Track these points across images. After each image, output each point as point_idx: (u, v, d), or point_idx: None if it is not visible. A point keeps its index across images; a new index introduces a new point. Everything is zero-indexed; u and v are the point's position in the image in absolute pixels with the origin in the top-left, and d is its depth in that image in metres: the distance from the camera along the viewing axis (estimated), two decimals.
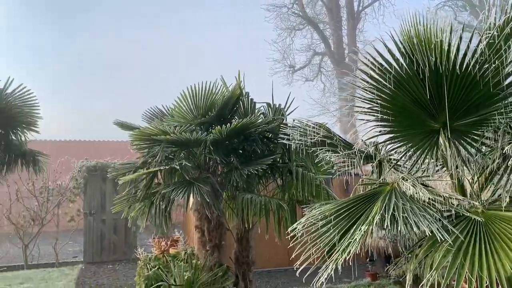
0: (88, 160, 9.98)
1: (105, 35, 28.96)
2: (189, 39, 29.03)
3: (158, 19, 29.68)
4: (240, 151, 5.26)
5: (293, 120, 4.30)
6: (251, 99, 5.22)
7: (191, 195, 4.41)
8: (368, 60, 2.96)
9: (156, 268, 5.28)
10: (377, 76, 3.00)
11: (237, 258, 5.14)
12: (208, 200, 4.38)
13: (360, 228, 2.44)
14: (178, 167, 4.63)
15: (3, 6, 26.19)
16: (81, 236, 10.52)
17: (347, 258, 2.45)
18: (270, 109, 5.22)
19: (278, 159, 4.94)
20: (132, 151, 5.51)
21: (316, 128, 3.34)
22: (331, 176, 4.82)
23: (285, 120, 5.00)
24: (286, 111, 5.10)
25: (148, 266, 5.47)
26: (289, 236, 2.99)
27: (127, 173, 5.37)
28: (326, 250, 2.70)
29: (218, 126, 4.59)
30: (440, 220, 2.45)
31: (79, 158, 10.18)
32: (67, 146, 14.56)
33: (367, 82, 3.11)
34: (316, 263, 2.72)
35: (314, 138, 3.32)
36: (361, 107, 3.30)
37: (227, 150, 5.05)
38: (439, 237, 2.30)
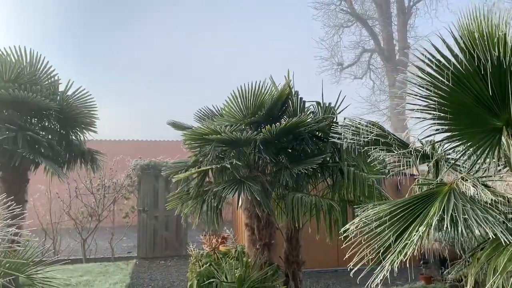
0: (141, 159, 10.35)
1: (155, 38, 29.87)
2: (237, 40, 29.33)
3: (206, 20, 30.20)
4: (289, 150, 5.26)
5: (344, 119, 4.25)
6: (301, 98, 5.20)
7: (242, 193, 4.46)
8: (425, 56, 2.86)
9: (207, 265, 5.39)
10: (433, 73, 2.90)
11: (287, 257, 5.15)
12: (259, 199, 4.42)
13: (418, 229, 2.37)
14: (229, 166, 4.70)
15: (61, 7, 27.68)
16: (134, 232, 10.95)
17: (404, 260, 2.39)
18: (320, 108, 5.18)
19: (328, 159, 4.89)
20: (185, 149, 5.65)
21: (369, 127, 3.28)
22: (384, 176, 4.72)
23: (335, 118, 4.94)
24: (336, 109, 5.04)
25: (199, 262, 5.60)
26: (342, 237, 2.96)
27: (179, 172, 5.53)
28: (381, 251, 2.65)
29: (268, 125, 4.62)
30: (504, 222, 2.33)
31: (133, 157, 10.58)
32: (121, 146, 15.16)
33: (423, 78, 3.02)
34: (370, 264, 2.68)
35: (367, 137, 3.26)
36: (415, 104, 3.21)
37: (276, 149, 5.06)
38: (504, 240, 2.19)
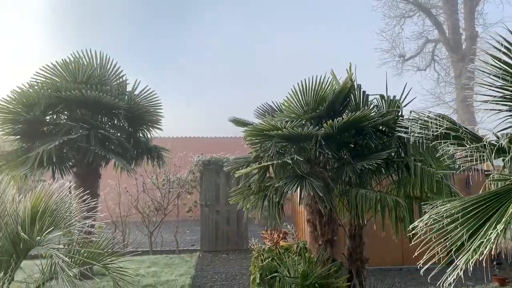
0: (203, 155, 10.63)
1: (217, 38, 30.48)
2: (296, 34, 29.17)
3: (264, 17, 30.33)
4: (352, 146, 5.17)
5: (410, 112, 4.10)
6: (364, 91, 5.08)
7: (304, 189, 4.44)
8: (501, 43, 2.69)
9: (269, 259, 5.44)
10: (510, 61, 2.72)
11: (350, 254, 5.07)
12: (321, 195, 4.39)
13: (495, 227, 2.24)
14: (290, 161, 4.70)
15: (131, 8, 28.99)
16: (197, 226, 11.28)
17: (479, 259, 2.27)
18: (384, 101, 5.03)
19: (393, 154, 4.75)
20: (246, 146, 5.73)
21: (439, 120, 3.13)
22: (453, 171, 4.50)
23: (400, 112, 4.78)
24: (401, 102, 4.86)
25: (261, 257, 5.66)
26: (410, 234, 2.87)
27: (240, 167, 5.62)
28: (454, 250, 2.54)
29: (329, 120, 4.57)
30: None
31: (195, 153, 10.90)
32: (184, 143, 15.66)
33: (497, 68, 2.84)
34: (442, 262, 2.58)
35: (436, 131, 3.13)
36: (488, 96, 3.03)
37: (338, 144, 4.99)
38: None
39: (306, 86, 5.12)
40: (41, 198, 3.88)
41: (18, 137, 7.36)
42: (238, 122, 5.68)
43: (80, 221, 4.12)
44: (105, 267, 4.05)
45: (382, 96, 5.08)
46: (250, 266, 7.45)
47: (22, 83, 6.96)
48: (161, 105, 7.88)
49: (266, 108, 5.95)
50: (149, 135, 8.21)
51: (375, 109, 5.05)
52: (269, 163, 4.89)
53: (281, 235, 6.38)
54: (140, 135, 8.18)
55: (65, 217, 3.99)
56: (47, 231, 3.53)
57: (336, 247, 5.19)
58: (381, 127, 4.96)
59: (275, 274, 4.87)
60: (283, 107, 5.48)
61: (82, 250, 3.97)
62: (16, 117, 6.97)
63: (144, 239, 10.37)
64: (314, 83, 5.11)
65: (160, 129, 8.11)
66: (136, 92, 7.76)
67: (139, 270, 7.59)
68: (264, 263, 5.42)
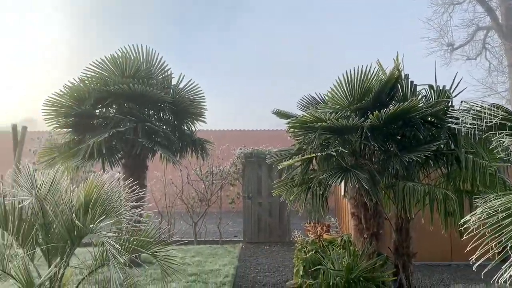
0: (245, 147, 10.71)
1: (257, 31, 30.48)
2: (340, 25, 28.68)
3: (305, 7, 29.99)
4: (399, 137, 5.04)
5: (461, 102, 3.94)
6: (411, 81, 4.93)
7: (349, 181, 4.38)
8: None
9: (313, 252, 5.42)
10: None
11: (396, 248, 4.96)
12: (367, 187, 4.31)
13: None
14: (334, 153, 4.65)
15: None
16: (239, 217, 11.38)
17: None
18: (432, 92, 4.85)
19: (442, 146, 4.58)
20: (289, 138, 5.72)
21: (493, 110, 2.99)
22: (508, 164, 4.29)
23: (450, 102, 4.60)
24: (451, 93, 4.68)
25: (305, 249, 5.65)
26: (462, 229, 2.76)
27: (283, 159, 5.62)
28: (510, 246, 2.42)
29: (375, 111, 4.47)
30: None
31: (238, 146, 11.00)
32: (226, 135, 15.85)
33: None
34: (496, 258, 2.47)
35: (490, 122, 2.98)
36: None
37: (384, 136, 4.87)
38: None
39: (351, 77, 5.02)
40: (93, 188, 4.05)
41: (70, 130, 7.71)
42: (281, 114, 5.66)
43: (129, 211, 4.28)
44: (154, 255, 4.18)
45: (431, 86, 4.90)
46: (293, 259, 7.47)
47: (73, 78, 7.27)
48: (204, 98, 8.01)
49: (310, 100, 5.90)
50: (193, 128, 8.36)
51: (423, 99, 4.89)
52: (313, 155, 4.86)
53: (324, 228, 6.34)
54: (185, 127, 8.34)
55: (115, 206, 4.15)
56: (99, 220, 3.68)
57: (382, 241, 5.10)
58: (430, 118, 4.80)
59: (319, 267, 4.85)
60: (327, 98, 5.41)
61: (132, 238, 4.12)
62: (68, 111, 7.30)
63: (189, 229, 10.60)
64: (359, 74, 5.00)
65: (204, 121, 8.25)
66: (181, 86, 7.91)
67: (185, 259, 7.78)
68: (307, 255, 5.41)
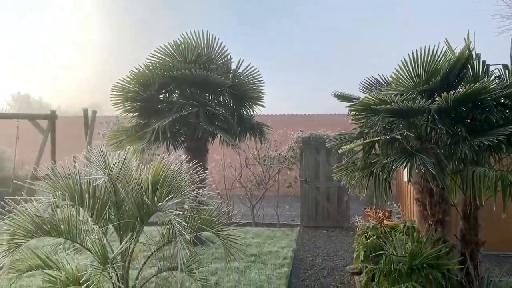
0: (303, 132, 10.66)
1: (312, 18, 29.95)
2: (406, 7, 27.49)
3: None
4: (468, 120, 4.78)
5: None
6: (483, 61, 4.64)
7: (414, 166, 4.24)
8: None
9: (374, 237, 5.34)
10: None
11: (463, 236, 4.76)
12: (433, 172, 4.15)
13: None
14: (399, 137, 4.50)
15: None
16: (296, 201, 11.41)
17: None
18: (507, 72, 4.54)
19: None
20: (350, 121, 5.62)
21: None
22: None
23: None
24: None
25: (366, 234, 5.58)
26: None
27: (344, 143, 5.53)
28: None
29: (443, 93, 4.26)
30: None
31: (295, 130, 10.97)
32: (283, 120, 15.86)
33: None
34: None
35: None
36: None
37: (452, 119, 4.65)
38: None
39: (417, 57, 4.81)
40: (161, 168, 4.24)
41: (136, 114, 8.08)
42: (342, 97, 5.56)
43: (194, 191, 4.44)
44: (217, 234, 4.32)
45: (505, 66, 4.59)
46: (352, 244, 7.40)
47: (139, 64, 7.58)
48: (263, 82, 8.05)
49: (372, 82, 5.74)
50: (251, 112, 8.45)
51: (496, 80, 4.60)
52: (376, 138, 4.73)
53: (386, 213, 6.20)
54: (244, 112, 8.45)
55: (180, 186, 4.32)
56: (167, 199, 3.85)
57: (447, 228, 4.91)
58: (503, 100, 4.51)
59: (381, 252, 4.78)
60: (391, 80, 5.24)
61: (197, 217, 4.28)
62: (134, 96, 7.64)
63: (247, 211, 10.80)
64: (426, 54, 4.78)
65: (263, 105, 8.30)
66: (240, 70, 7.99)
67: (244, 240, 7.96)
68: (368, 240, 5.35)
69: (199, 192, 4.42)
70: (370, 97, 4.79)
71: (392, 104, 4.46)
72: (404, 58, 4.79)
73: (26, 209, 3.74)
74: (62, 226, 3.77)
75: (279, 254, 7.04)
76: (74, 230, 3.81)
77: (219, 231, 4.35)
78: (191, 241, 4.19)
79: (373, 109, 4.79)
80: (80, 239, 3.89)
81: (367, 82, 5.82)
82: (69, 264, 3.92)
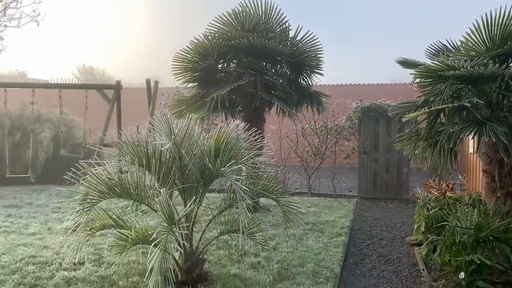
0: (362, 101, 10.39)
1: None
2: None
3: None
4: None
5: None
6: None
7: (484, 135, 4.03)
8: None
9: (437, 209, 5.19)
10: None
11: None
12: (505, 142, 3.92)
13: None
14: (468, 105, 4.27)
15: None
16: (353, 173, 11.27)
17: None
18: None
19: None
20: (415, 89, 5.41)
21: None
22: None
23: None
24: None
25: (427, 206, 5.43)
26: None
27: (407, 112, 5.34)
28: None
29: None
30: None
31: (354, 100, 10.71)
32: (341, 90, 15.49)
33: None
34: None
35: None
36: None
37: None
38: None
39: (490, 20, 4.49)
40: (222, 135, 4.35)
41: (195, 84, 8.25)
42: (407, 63, 5.33)
43: (253, 158, 4.52)
44: (276, 200, 4.41)
45: None
46: (411, 216, 7.26)
47: (198, 34, 7.68)
48: (322, 50, 7.88)
49: (439, 47, 5.45)
50: (309, 81, 8.34)
51: None
52: (443, 106, 4.52)
53: (450, 185, 5.98)
54: (301, 81, 8.36)
55: (240, 153, 4.42)
56: (228, 164, 3.96)
57: None
58: None
59: (444, 223, 4.64)
60: (462, 45, 4.94)
61: (257, 183, 4.37)
62: (194, 66, 7.79)
63: (303, 182, 10.83)
64: (501, 16, 4.45)
65: (321, 73, 8.16)
66: (298, 38, 7.87)
67: (301, 208, 8.02)
68: (430, 212, 5.21)
69: (258, 160, 4.51)
70: (437, 62, 4.56)
71: (461, 70, 4.22)
72: (476, 21, 4.49)
73: (99, 172, 4.01)
74: (131, 189, 4.01)
75: (336, 224, 7.05)
76: (142, 192, 4.04)
77: (278, 197, 4.43)
78: (250, 208, 4.31)
79: (440, 75, 4.57)
80: (147, 201, 4.12)
81: (434, 48, 5.53)
82: (138, 224, 4.18)
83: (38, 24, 10.28)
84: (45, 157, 11.35)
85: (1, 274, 4.58)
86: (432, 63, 4.69)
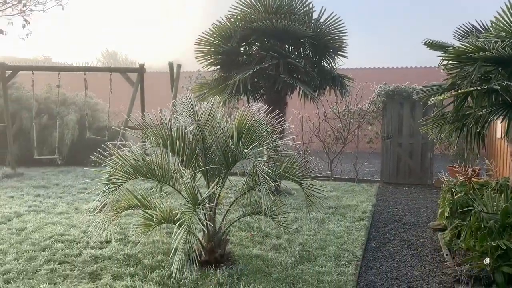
0: (386, 85, 10.20)
1: None
2: None
3: None
4: None
5: None
6: None
7: None
8: None
9: (462, 194, 5.11)
10: None
11: None
12: None
13: None
14: (498, 87, 4.15)
15: None
16: (375, 158, 11.14)
17: None
18: None
19: None
20: (442, 71, 5.28)
21: None
22: None
23: None
24: None
25: (452, 191, 5.35)
26: None
27: (433, 95, 5.24)
28: None
29: None
30: None
31: (378, 84, 10.52)
32: (365, 73, 15.24)
33: None
34: None
35: None
36: None
37: None
38: None
39: None
40: (244, 117, 4.35)
41: (218, 67, 8.24)
42: (434, 45, 5.21)
43: (275, 140, 4.52)
44: (299, 183, 4.41)
45: None
46: (435, 201, 7.16)
47: (221, 16, 7.64)
48: (346, 32, 7.73)
49: (468, 28, 5.30)
50: (333, 64, 8.22)
51: None
52: (471, 89, 4.41)
53: (476, 170, 5.86)
54: (324, 64, 8.25)
55: (263, 135, 4.42)
56: (251, 146, 3.97)
57: None
58: None
59: (469, 209, 4.57)
60: (490, 25, 4.78)
61: (279, 165, 4.38)
62: (216, 49, 7.78)
63: (325, 166, 10.78)
64: None
65: (345, 56, 8.02)
66: (322, 20, 7.74)
67: (323, 192, 8.01)
68: (455, 197, 5.13)
69: (280, 142, 4.50)
70: (466, 44, 4.44)
71: (492, 51, 4.11)
72: (508, 0, 4.32)
73: (124, 154, 4.08)
74: (156, 170, 4.07)
75: (358, 208, 7.02)
76: (167, 173, 4.10)
77: (300, 180, 4.43)
78: (272, 190, 4.33)
79: (468, 57, 4.45)
80: (172, 182, 4.18)
81: (463, 29, 5.39)
82: (162, 204, 4.25)
83: (62, 8, 10.38)
84: (71, 140, 11.60)
85: (32, 250, 4.75)
86: (461, 44, 4.57)
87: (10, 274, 4.09)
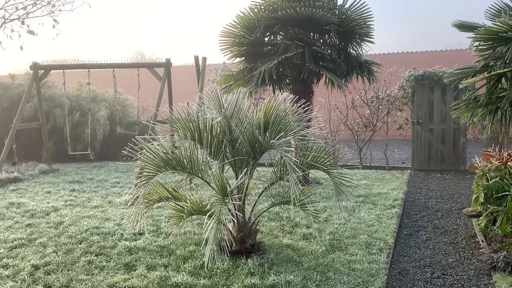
0: (416, 69, 9.95)
1: None
2: None
3: None
4: None
5: None
6: None
7: None
8: None
9: (497, 179, 4.95)
10: None
11: None
12: None
13: None
14: None
15: None
16: (405, 145, 10.92)
17: None
18: None
19: None
20: (473, 52, 5.10)
21: None
22: None
23: None
24: None
25: (487, 176, 5.19)
26: None
27: (464, 78, 5.08)
28: None
29: None
30: None
31: (406, 69, 10.28)
32: (393, 59, 14.91)
33: None
34: None
35: None
36: None
37: None
38: None
39: None
40: (270, 108, 4.34)
41: (243, 58, 8.24)
42: (464, 27, 5.04)
43: (303, 130, 4.50)
44: (328, 172, 4.38)
45: None
46: (469, 187, 6.98)
47: (244, 7, 7.61)
48: (372, 17, 7.56)
49: (501, 7, 5.08)
50: (359, 50, 8.07)
51: None
52: (505, 70, 4.25)
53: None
54: (351, 50, 8.11)
55: (289, 125, 4.40)
56: (277, 137, 3.97)
57: None
58: None
59: (505, 194, 4.43)
60: None
61: (307, 154, 4.36)
62: (241, 40, 7.77)
63: (354, 154, 10.66)
64: None
65: (371, 41, 7.85)
66: (347, 6, 7.61)
67: (353, 180, 7.94)
68: (490, 182, 4.98)
69: (307, 132, 4.48)
70: (498, 23, 4.26)
71: None
72: None
73: (154, 147, 4.15)
74: (185, 162, 4.13)
75: (389, 196, 6.92)
76: (196, 165, 4.15)
77: (329, 169, 4.40)
78: (301, 180, 4.32)
79: (502, 37, 4.28)
80: (201, 174, 4.24)
81: (495, 8, 5.18)
82: (192, 196, 4.32)
83: (90, 6, 10.60)
84: (102, 135, 11.89)
85: (70, 243, 4.92)
86: (493, 24, 4.40)
87: (50, 266, 4.25)
